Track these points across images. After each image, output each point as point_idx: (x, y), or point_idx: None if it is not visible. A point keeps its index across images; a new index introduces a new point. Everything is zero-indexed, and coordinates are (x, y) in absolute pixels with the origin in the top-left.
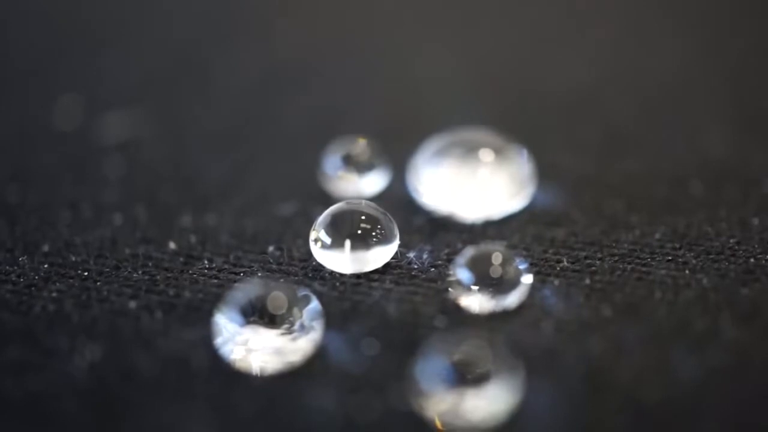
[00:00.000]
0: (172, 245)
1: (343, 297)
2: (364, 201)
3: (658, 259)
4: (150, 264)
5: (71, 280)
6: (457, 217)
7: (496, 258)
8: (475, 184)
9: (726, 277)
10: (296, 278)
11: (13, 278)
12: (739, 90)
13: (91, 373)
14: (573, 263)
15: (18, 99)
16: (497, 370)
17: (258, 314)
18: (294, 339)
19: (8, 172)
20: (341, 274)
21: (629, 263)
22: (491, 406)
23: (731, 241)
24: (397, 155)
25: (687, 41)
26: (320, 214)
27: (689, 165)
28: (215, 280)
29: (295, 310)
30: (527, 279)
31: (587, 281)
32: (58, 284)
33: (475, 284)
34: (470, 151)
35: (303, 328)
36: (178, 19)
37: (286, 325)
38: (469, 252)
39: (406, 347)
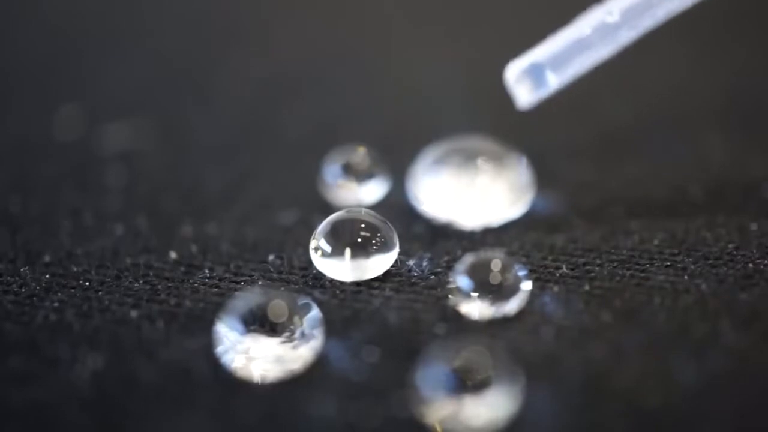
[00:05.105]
0: (173, 255)
1: (343, 305)
2: (363, 209)
3: (657, 264)
4: (151, 273)
5: (73, 290)
6: (457, 225)
7: (496, 265)
8: (474, 191)
9: (725, 283)
10: (297, 286)
11: (15, 288)
12: (737, 95)
13: (92, 383)
14: (572, 269)
15: (19, 109)
16: (497, 377)
17: (259, 323)
18: (295, 347)
19: (9, 182)
20: (341, 282)
21: (628, 269)
22: (492, 412)
23: (730, 246)
24: (396, 163)
25: (685, 46)
26: (320, 222)
27: (688, 170)
28: (216, 289)
29: (296, 319)
30: (527, 286)
31: (587, 287)
32: (59, 294)
33: (474, 291)
34: (469, 158)
35: (304, 336)
36: (178, 29)
37: (286, 334)
38: (468, 259)
39: (407, 354)
